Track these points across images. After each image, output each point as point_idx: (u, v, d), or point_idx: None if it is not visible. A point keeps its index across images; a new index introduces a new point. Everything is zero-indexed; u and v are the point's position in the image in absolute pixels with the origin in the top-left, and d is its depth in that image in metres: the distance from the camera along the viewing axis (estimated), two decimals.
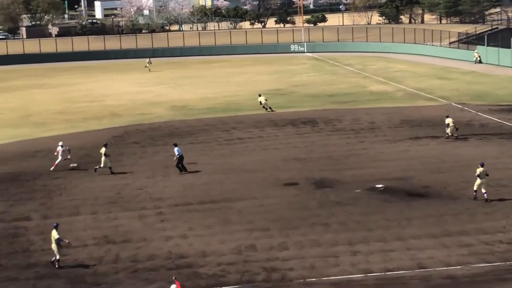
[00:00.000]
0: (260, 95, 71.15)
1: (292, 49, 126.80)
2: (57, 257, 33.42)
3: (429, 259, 32.85)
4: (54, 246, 33.53)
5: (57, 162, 50.33)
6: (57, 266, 33.35)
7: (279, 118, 66.39)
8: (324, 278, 31.28)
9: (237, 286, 30.75)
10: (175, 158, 48.71)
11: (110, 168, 49.32)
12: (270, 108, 69.55)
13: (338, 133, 59.37)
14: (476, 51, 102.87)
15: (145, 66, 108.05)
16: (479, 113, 64.99)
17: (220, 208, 41.14)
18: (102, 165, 49.18)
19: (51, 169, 50.05)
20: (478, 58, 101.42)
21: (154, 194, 44.30)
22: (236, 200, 42.49)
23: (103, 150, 49.44)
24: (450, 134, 55.52)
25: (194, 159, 51.29)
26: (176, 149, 48.62)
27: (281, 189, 44.46)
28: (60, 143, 50.91)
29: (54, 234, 33.54)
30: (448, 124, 55.54)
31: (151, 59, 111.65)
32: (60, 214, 41.23)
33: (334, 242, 35.27)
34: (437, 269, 31.78)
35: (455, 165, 48.22)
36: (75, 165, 51.46)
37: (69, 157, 50.68)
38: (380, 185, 44.21)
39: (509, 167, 47.47)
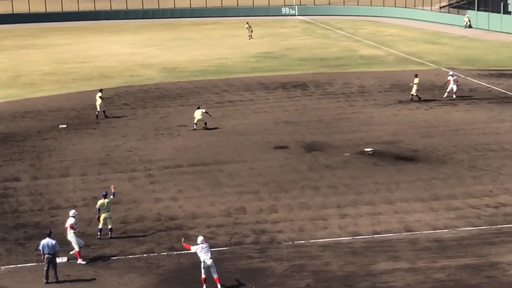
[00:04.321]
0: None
1: (283, 12, 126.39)
2: (100, 226, 32.51)
3: (416, 222, 33.08)
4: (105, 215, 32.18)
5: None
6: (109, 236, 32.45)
7: (270, 81, 66.31)
8: (313, 241, 31.47)
9: (226, 248, 30.93)
10: None
11: (104, 112, 53.33)
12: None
13: (328, 97, 59.39)
14: (466, 16, 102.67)
15: (249, 34, 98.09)
16: (468, 78, 65.09)
17: (210, 171, 41.23)
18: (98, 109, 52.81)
19: None
20: (468, 23, 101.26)
21: (145, 156, 44.33)
22: (226, 163, 42.58)
23: (98, 94, 53.36)
24: (414, 94, 56.95)
25: (184, 122, 51.26)
26: None
27: (271, 152, 44.56)
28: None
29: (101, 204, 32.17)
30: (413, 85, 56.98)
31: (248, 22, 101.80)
32: (49, 175, 41.25)
33: (323, 205, 35.45)
34: (424, 232, 32.01)
35: (445, 129, 48.35)
36: (65, 126, 51.42)
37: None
38: (369, 149, 44.35)
39: (497, 131, 47.67)
